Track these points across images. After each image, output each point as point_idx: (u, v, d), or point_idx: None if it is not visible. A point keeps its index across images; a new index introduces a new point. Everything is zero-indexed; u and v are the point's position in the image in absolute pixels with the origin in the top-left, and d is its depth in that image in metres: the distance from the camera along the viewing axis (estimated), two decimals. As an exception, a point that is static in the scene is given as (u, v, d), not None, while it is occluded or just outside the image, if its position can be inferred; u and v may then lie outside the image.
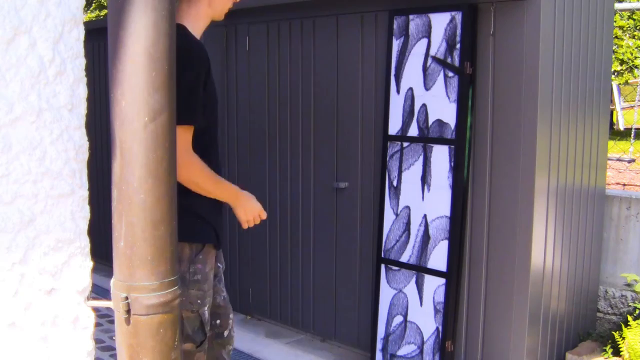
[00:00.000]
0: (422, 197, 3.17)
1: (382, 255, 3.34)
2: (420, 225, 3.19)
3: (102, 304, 1.37)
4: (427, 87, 3.10)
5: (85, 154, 1.32)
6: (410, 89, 3.18)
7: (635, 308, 3.63)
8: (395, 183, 3.27)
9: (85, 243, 1.32)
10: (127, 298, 1.31)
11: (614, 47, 8.89)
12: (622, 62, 10.66)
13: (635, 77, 11.20)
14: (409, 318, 3.26)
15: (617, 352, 3.38)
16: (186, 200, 2.02)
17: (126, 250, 1.31)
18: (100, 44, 5.11)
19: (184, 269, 2.12)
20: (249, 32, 4.01)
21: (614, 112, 11.88)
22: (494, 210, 3.01)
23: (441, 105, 3.04)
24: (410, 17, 3.15)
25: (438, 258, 3.13)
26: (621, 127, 12.01)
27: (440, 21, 3.05)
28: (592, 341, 3.55)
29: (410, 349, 3.26)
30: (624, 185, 6.66)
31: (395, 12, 3.22)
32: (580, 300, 3.57)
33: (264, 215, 2.30)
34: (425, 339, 3.20)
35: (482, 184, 3.04)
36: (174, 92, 1.33)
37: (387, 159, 3.29)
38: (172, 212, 1.34)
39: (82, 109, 1.30)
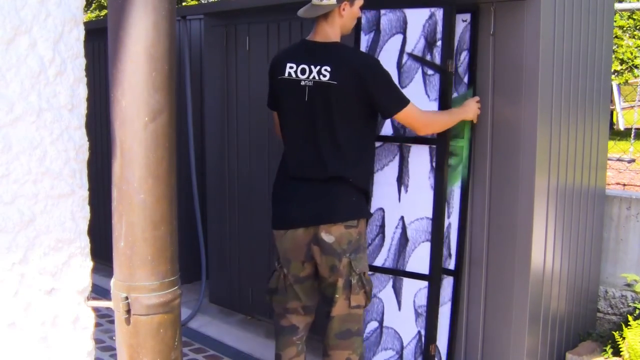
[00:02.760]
0: (399, 198, 3.09)
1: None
2: (396, 227, 3.10)
3: (102, 304, 1.38)
4: (402, 85, 3.00)
5: (85, 154, 1.32)
6: None
7: (635, 308, 3.64)
8: None
9: (85, 243, 1.32)
10: (127, 298, 1.32)
11: (614, 47, 8.89)
12: (622, 62, 10.68)
13: (635, 77, 11.21)
14: (385, 323, 3.17)
15: (617, 352, 3.38)
16: (368, 186, 2.79)
17: (126, 250, 1.32)
18: (100, 44, 5.11)
19: (364, 239, 2.74)
20: (249, 32, 4.01)
21: (614, 112, 11.89)
22: (494, 210, 3.01)
23: (419, 104, 2.85)
24: (382, 11, 3.05)
25: (418, 261, 3.05)
26: (621, 127, 12.01)
27: (417, 17, 2.95)
28: (592, 341, 3.54)
29: (387, 354, 3.18)
30: (624, 185, 6.67)
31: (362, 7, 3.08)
32: (580, 300, 3.57)
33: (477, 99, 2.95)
34: (405, 344, 3.12)
35: (482, 184, 3.03)
36: (174, 92, 1.33)
37: None
38: (172, 212, 1.34)
39: (82, 109, 1.30)
